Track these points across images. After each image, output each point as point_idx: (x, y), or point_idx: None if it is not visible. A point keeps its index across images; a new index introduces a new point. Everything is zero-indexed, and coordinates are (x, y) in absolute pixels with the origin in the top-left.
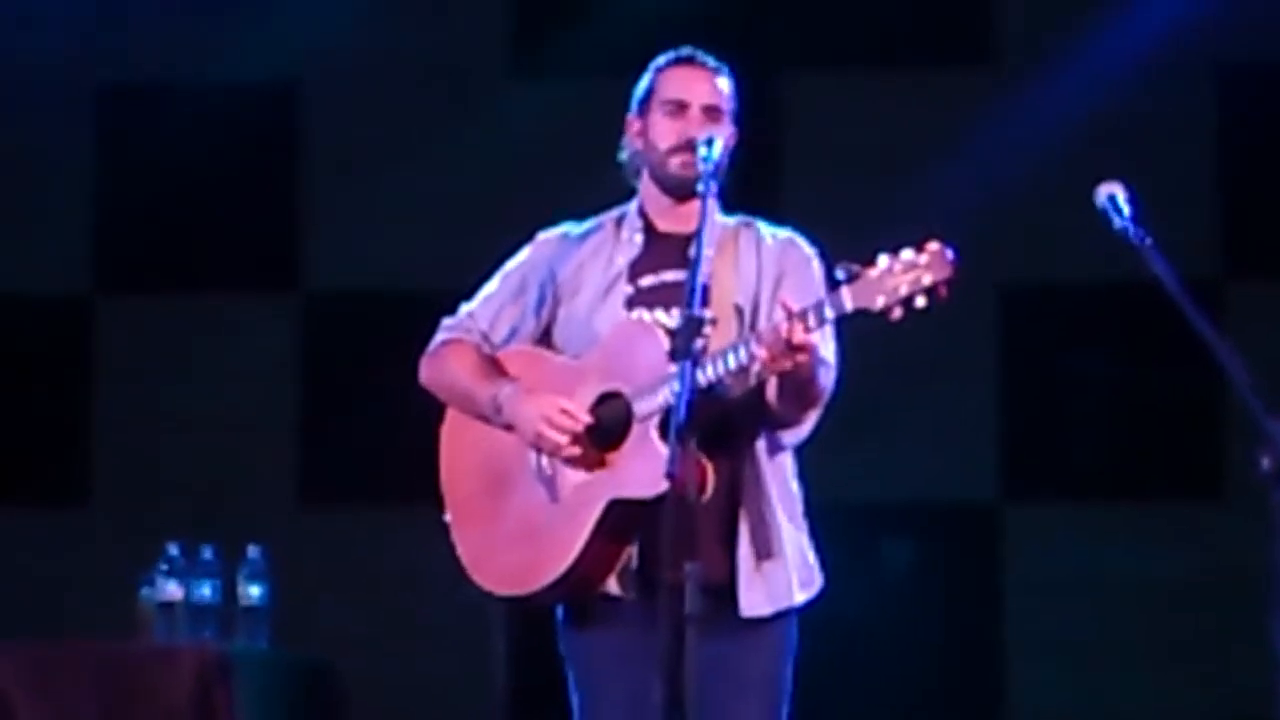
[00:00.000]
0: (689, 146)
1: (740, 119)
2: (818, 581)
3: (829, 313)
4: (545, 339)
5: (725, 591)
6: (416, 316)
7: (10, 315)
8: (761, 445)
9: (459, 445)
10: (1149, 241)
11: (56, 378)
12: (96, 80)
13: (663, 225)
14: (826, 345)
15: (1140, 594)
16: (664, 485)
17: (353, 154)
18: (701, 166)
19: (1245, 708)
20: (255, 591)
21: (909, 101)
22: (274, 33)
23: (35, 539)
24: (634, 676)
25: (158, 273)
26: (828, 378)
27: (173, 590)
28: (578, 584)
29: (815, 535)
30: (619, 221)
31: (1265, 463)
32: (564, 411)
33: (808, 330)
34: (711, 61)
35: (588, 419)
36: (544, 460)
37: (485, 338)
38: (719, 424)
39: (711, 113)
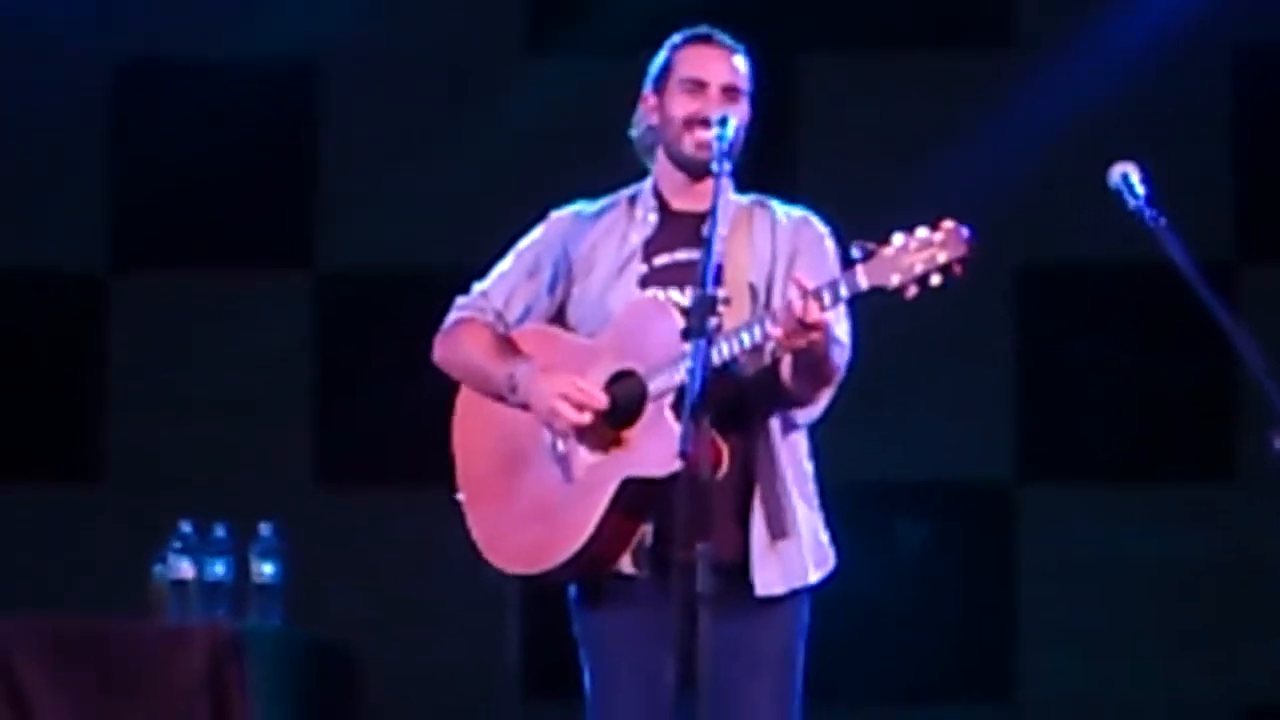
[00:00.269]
0: (705, 125)
1: (756, 99)
2: (831, 560)
3: (844, 291)
4: (559, 317)
5: (738, 570)
6: (431, 295)
7: (25, 292)
8: (775, 424)
9: (472, 424)
10: (1163, 222)
11: (71, 355)
12: (113, 58)
13: (677, 204)
14: (840, 324)
15: (1154, 575)
16: (678, 464)
17: (368, 133)
18: (716, 146)
19: (1259, 688)
20: (268, 569)
21: (924, 83)
22: (290, 11)
23: (48, 517)
24: (647, 656)
25: (173, 251)
26: (841, 356)
27: (185, 568)
28: (591, 562)
29: (829, 514)
30: (633, 200)
31: (1279, 445)
32: (580, 389)
33: (823, 309)
34: (729, 41)
35: (603, 397)
36: (558, 439)
37: (499, 317)
38: (733, 402)
39: (730, 92)
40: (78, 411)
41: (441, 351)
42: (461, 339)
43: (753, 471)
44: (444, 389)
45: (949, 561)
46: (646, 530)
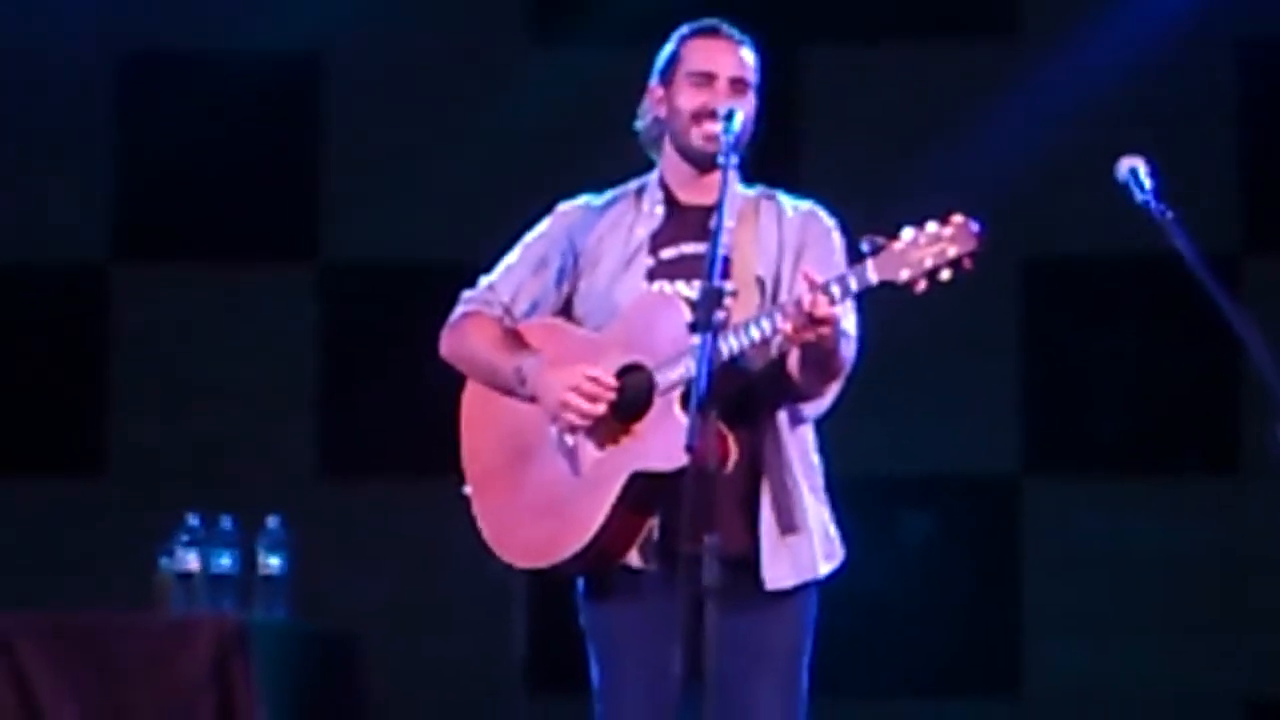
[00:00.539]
0: (713, 118)
1: (762, 90)
2: (839, 554)
3: (854, 285)
4: (565, 310)
5: (746, 564)
6: (434, 288)
7: (28, 285)
8: (783, 417)
9: (480, 418)
10: (1170, 215)
11: (74, 347)
12: (117, 49)
13: (684, 197)
14: (848, 317)
15: (1159, 567)
16: (686, 458)
17: (372, 125)
18: (723, 139)
19: (1265, 679)
20: (274, 562)
21: (930, 74)
22: (294, 3)
23: (53, 509)
24: (654, 649)
25: (176, 244)
26: (849, 350)
27: (191, 560)
28: (599, 556)
29: (836, 507)
30: (639, 192)
31: None
32: (591, 379)
33: (832, 303)
34: (737, 33)
35: (613, 382)
36: (566, 433)
37: (507, 310)
38: (740, 396)
39: (737, 85)
40: (82, 404)
41: (448, 345)
42: (469, 332)
43: (761, 465)
44: (449, 382)
45: (955, 554)
46: (654, 523)
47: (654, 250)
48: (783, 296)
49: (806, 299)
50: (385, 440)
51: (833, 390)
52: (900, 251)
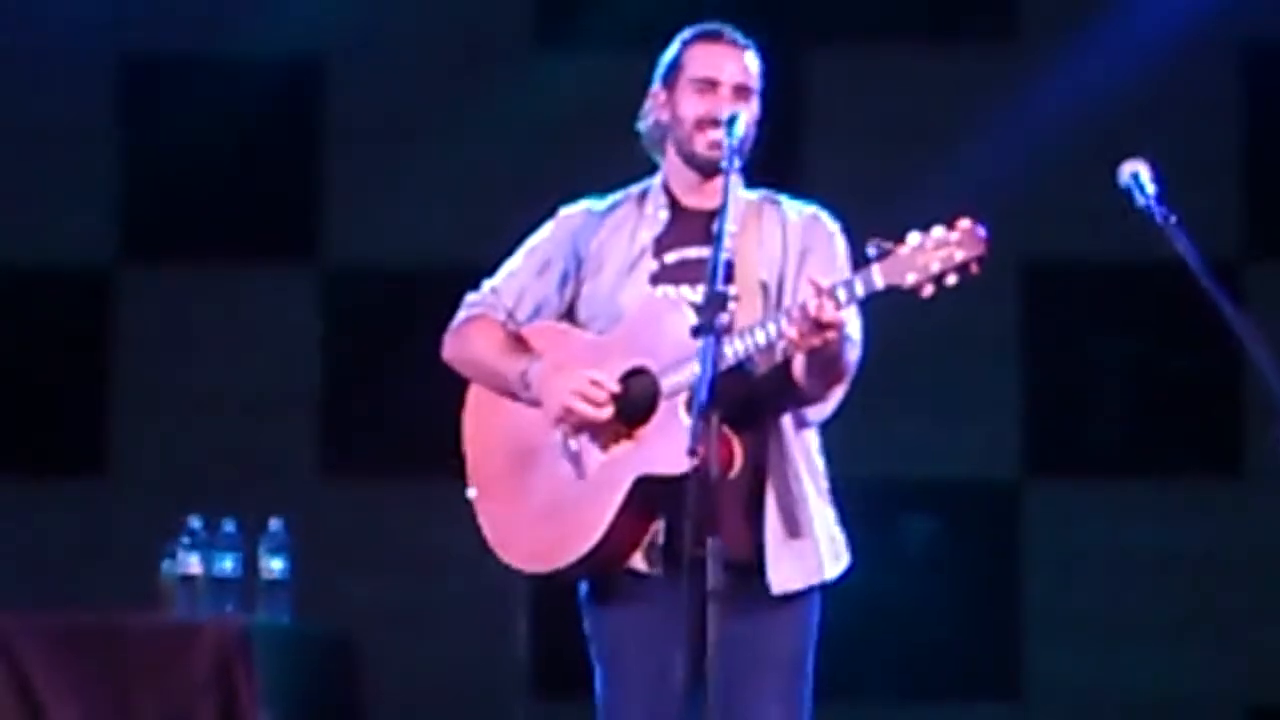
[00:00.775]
0: (717, 125)
1: (765, 94)
2: (845, 556)
3: (860, 289)
4: (569, 314)
5: (751, 568)
6: (439, 291)
7: (33, 286)
8: (787, 421)
9: (483, 421)
10: (1173, 220)
11: (77, 349)
12: (121, 52)
13: (687, 201)
14: (852, 322)
15: (1160, 570)
16: (692, 462)
17: (375, 128)
18: (725, 144)
19: (1264, 685)
20: (277, 565)
21: (932, 77)
22: (298, 5)
23: (56, 511)
24: (657, 653)
25: (180, 245)
26: (854, 354)
27: (194, 563)
28: (604, 560)
29: (840, 510)
30: (642, 196)
31: None
32: (593, 383)
33: (838, 307)
34: (740, 38)
35: (616, 385)
36: (570, 437)
37: (510, 314)
38: (745, 400)
39: (741, 91)
40: (86, 406)
41: (452, 349)
42: (472, 336)
43: (765, 469)
44: (452, 385)
45: (956, 558)
46: (659, 527)
47: (658, 254)
48: (786, 301)
49: (812, 304)
50: (387, 443)
51: (837, 394)
52: (906, 256)
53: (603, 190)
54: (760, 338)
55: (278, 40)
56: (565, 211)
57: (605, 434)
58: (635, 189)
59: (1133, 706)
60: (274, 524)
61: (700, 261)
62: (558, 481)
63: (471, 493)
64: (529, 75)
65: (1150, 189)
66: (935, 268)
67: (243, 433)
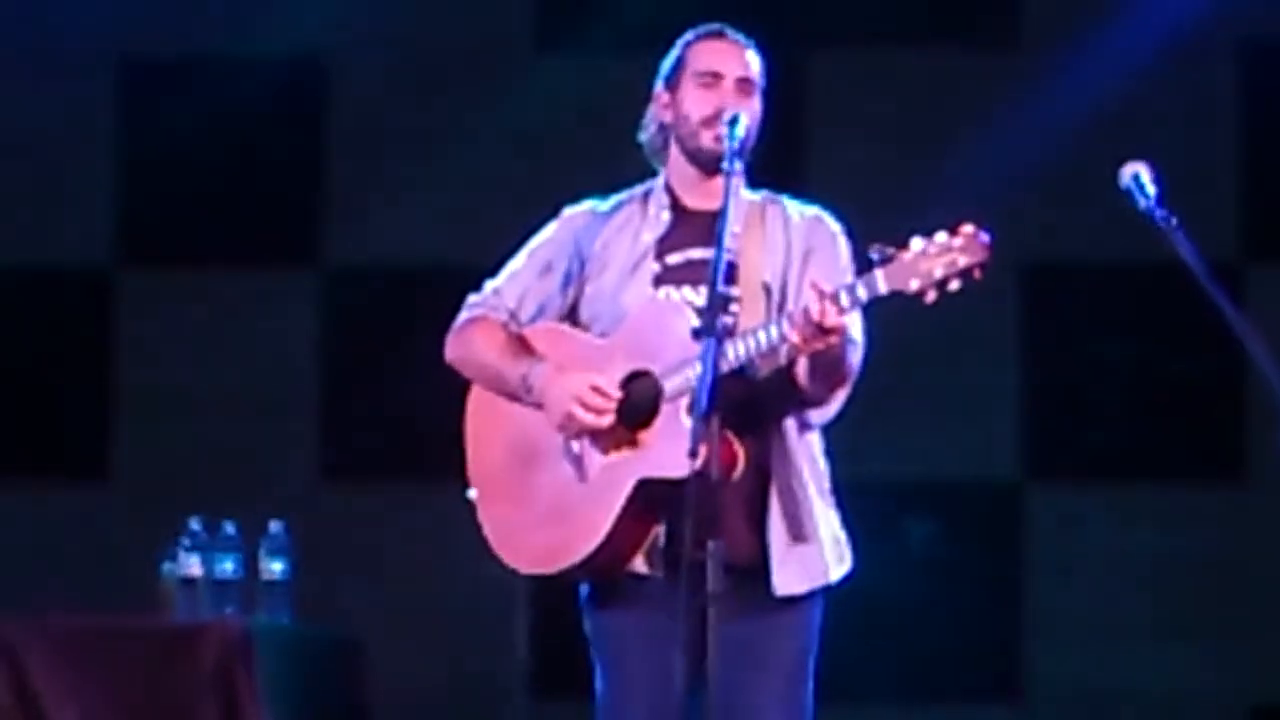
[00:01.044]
0: (720, 120)
1: (768, 95)
2: (849, 558)
3: (862, 294)
4: (571, 314)
5: (754, 570)
6: (440, 293)
7: (32, 290)
8: (790, 424)
9: (485, 423)
10: (1174, 222)
11: (77, 352)
12: (120, 54)
13: (690, 201)
14: (854, 323)
15: (1161, 572)
16: (693, 464)
17: (375, 131)
18: (727, 145)
19: (1265, 688)
20: (277, 567)
21: (932, 81)
22: (299, 7)
23: (56, 514)
24: (658, 655)
25: (180, 248)
26: (856, 357)
27: (194, 565)
28: (605, 563)
29: (842, 512)
30: (645, 197)
31: None
32: (595, 389)
33: (840, 312)
34: (742, 37)
35: (617, 393)
36: (572, 440)
37: (513, 316)
38: (748, 403)
39: (744, 85)
40: (85, 409)
41: (454, 350)
42: (475, 338)
43: (769, 472)
44: (452, 386)
45: (956, 560)
46: (661, 530)
47: (660, 255)
48: (789, 302)
49: (815, 308)
50: (388, 445)
51: (840, 397)
52: (910, 261)
53: (605, 193)
54: (763, 340)
55: (278, 43)
56: (569, 211)
57: (607, 437)
58: (638, 189)
59: (1133, 709)
60: (274, 526)
61: (703, 263)
62: (559, 484)
63: (472, 494)
64: (530, 79)
65: (1151, 191)
66: (938, 273)
67: (243, 435)
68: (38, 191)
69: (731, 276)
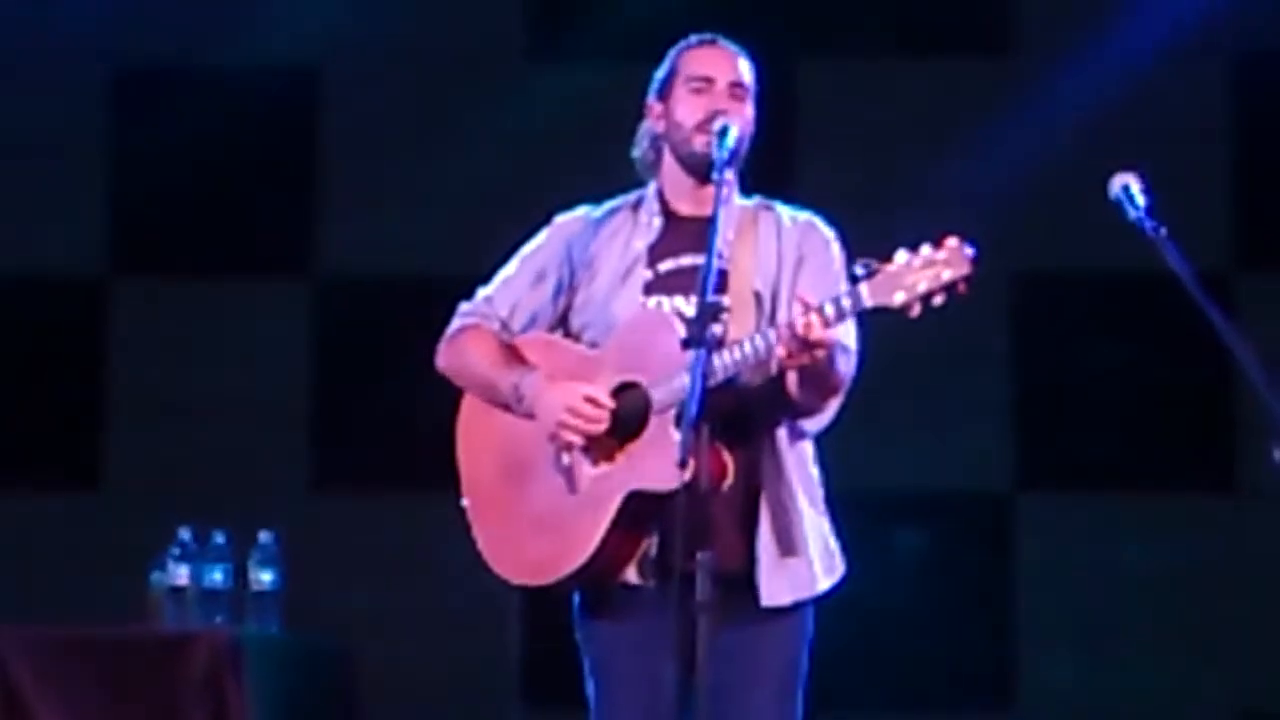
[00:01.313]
0: (713, 124)
1: (759, 103)
2: (840, 568)
3: (847, 308)
4: (563, 322)
5: (744, 580)
6: (430, 302)
7: (24, 297)
8: (782, 434)
9: (477, 432)
10: (1164, 232)
11: (69, 360)
12: (114, 63)
13: (682, 209)
14: (847, 331)
15: (1152, 584)
16: (683, 477)
17: (370, 138)
18: (716, 154)
19: (1256, 697)
20: (266, 577)
21: (924, 89)
22: (292, 17)
23: (46, 522)
24: (650, 664)
25: (173, 256)
26: (848, 365)
27: (183, 575)
28: (597, 575)
29: (834, 521)
30: (637, 205)
31: (1277, 454)
32: (589, 399)
33: (826, 325)
34: (734, 45)
35: (609, 404)
36: (563, 450)
37: (504, 324)
38: (738, 414)
39: (737, 89)
40: (76, 417)
41: (446, 358)
42: (466, 346)
43: (759, 482)
44: (443, 395)
45: (948, 570)
46: (652, 541)
47: (652, 263)
48: (781, 310)
49: (800, 322)
50: (378, 454)
51: (833, 406)
52: (894, 274)
53: (597, 201)
54: (749, 351)
55: (270, 52)
56: (560, 219)
57: (597, 448)
58: (631, 197)
59: (1124, 717)
60: (264, 536)
61: (694, 270)
62: (550, 495)
63: (465, 502)
64: (520, 87)
65: (1141, 201)
66: (922, 287)
67: (233, 444)
68: (31, 199)
69: (722, 285)
